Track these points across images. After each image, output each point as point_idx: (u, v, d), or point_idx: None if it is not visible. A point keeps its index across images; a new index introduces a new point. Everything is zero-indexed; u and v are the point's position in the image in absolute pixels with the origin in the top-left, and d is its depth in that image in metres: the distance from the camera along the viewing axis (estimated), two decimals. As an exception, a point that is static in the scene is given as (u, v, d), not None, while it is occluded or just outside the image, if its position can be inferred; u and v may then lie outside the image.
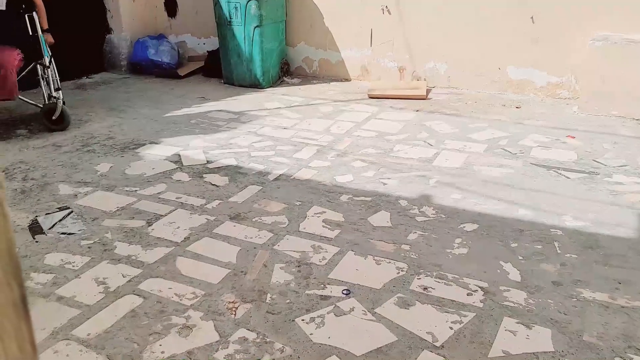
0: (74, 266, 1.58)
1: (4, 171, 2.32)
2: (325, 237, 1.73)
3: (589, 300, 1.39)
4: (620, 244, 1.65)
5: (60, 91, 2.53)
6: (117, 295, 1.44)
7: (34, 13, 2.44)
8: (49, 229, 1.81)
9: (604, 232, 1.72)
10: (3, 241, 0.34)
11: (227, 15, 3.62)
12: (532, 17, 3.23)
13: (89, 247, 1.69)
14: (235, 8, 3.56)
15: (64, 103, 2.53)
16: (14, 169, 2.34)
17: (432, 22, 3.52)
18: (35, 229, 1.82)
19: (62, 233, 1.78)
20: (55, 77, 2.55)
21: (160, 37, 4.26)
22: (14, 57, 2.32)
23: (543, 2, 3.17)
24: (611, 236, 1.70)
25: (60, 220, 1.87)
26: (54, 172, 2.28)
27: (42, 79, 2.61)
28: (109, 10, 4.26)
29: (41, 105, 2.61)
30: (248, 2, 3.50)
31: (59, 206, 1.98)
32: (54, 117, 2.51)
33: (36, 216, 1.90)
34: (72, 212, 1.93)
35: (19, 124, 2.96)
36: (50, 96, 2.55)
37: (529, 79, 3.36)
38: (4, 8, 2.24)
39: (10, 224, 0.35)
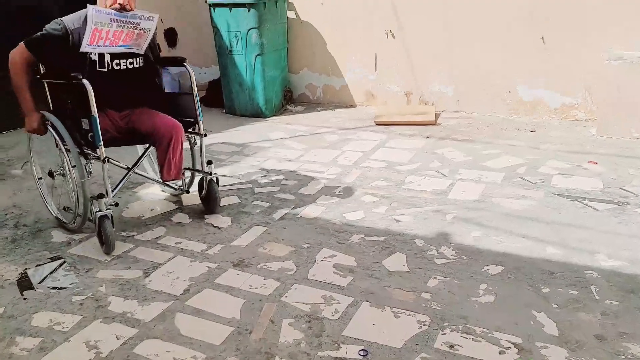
0: (63, 327, 1.48)
1: None
2: (337, 285, 1.63)
3: (639, 357, 1.26)
4: (665, 286, 1.53)
5: (211, 164, 2.08)
6: None
7: (186, 64, 2.05)
8: (39, 283, 1.73)
9: (643, 272, 1.61)
10: None
11: (228, 44, 3.65)
12: (542, 37, 3.21)
13: (80, 304, 1.59)
14: (236, 37, 3.59)
15: (217, 181, 2.10)
16: (6, 214, 2.29)
17: (437, 45, 3.53)
18: (24, 283, 1.73)
19: (53, 287, 1.69)
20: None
21: (163, 69, 4.26)
22: (179, 129, 1.92)
23: (553, 22, 3.17)
24: (653, 277, 1.59)
25: (51, 272, 1.79)
26: (47, 217, 2.21)
27: (192, 149, 2.18)
28: None
29: (177, 186, 2.24)
30: (249, 30, 3.53)
31: (50, 256, 1.90)
32: (202, 195, 2.12)
33: (26, 268, 1.82)
34: (64, 262, 1.85)
35: (14, 162, 2.92)
36: (201, 172, 2.10)
37: (542, 100, 3.33)
38: (141, 52, 1.93)
39: None
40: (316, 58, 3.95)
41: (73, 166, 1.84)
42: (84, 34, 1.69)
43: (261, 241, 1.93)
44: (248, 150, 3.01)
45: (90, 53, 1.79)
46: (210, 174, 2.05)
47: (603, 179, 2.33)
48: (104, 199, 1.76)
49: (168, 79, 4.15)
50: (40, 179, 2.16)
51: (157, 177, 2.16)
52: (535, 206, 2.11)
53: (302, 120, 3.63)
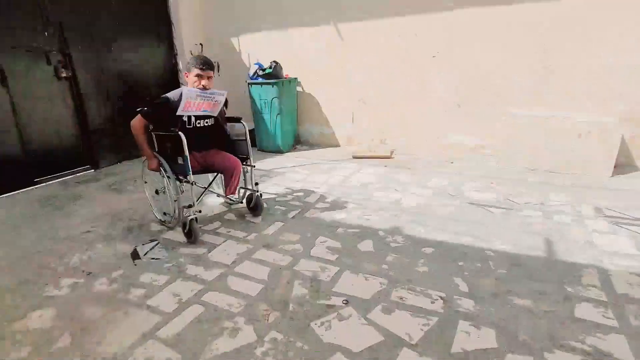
0: (158, 283, 1.52)
1: (115, 215, 2.28)
2: (328, 259, 1.65)
3: (519, 306, 1.29)
4: (536, 262, 1.56)
5: (258, 184, 2.12)
6: (187, 304, 1.37)
7: (242, 121, 2.07)
8: (144, 255, 1.76)
9: (523, 252, 1.64)
10: None
11: (260, 107, 3.71)
12: (458, 105, 3.28)
13: (168, 269, 1.62)
14: (264, 103, 3.66)
15: (260, 195, 2.14)
16: (123, 213, 2.31)
17: (393, 110, 3.58)
18: (134, 255, 1.76)
19: (152, 258, 1.72)
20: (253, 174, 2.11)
21: None
22: (239, 163, 1.98)
23: (470, 92, 3.21)
24: (529, 256, 1.61)
25: (151, 249, 1.82)
26: (148, 215, 2.24)
27: (244, 175, 2.12)
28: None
29: (234, 199, 2.17)
30: (272, 99, 3.60)
31: (150, 239, 1.93)
32: (251, 205, 2.15)
33: (135, 246, 1.85)
34: (158, 243, 1.88)
35: (128, 182, 2.97)
36: (251, 189, 2.10)
37: (462, 142, 3.34)
38: (214, 115, 1.94)
39: None
40: (314, 116, 4.00)
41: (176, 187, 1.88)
42: (179, 104, 1.75)
43: (280, 231, 1.95)
44: (272, 174, 3.03)
45: (183, 116, 1.84)
46: (257, 191, 2.10)
47: (498, 194, 2.35)
48: (192, 208, 1.80)
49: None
50: (155, 193, 2.13)
51: (222, 193, 2.19)
52: (455, 211, 2.12)
53: (305, 155, 3.66)
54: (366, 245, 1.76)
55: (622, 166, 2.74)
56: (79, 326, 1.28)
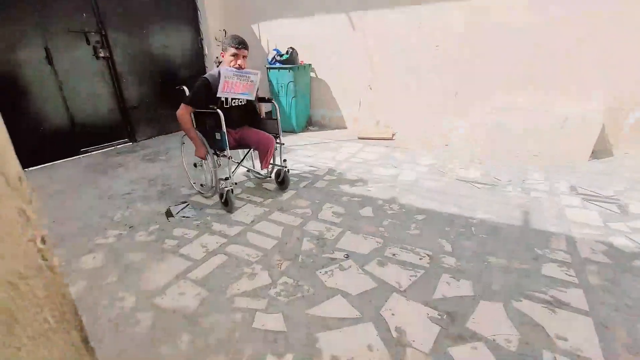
0: (189, 236, 1.59)
1: (151, 180, 2.34)
2: (333, 222, 1.70)
3: (494, 264, 1.34)
4: (512, 230, 1.59)
5: (286, 161, 2.02)
6: (213, 254, 1.44)
7: (273, 101, 1.96)
8: (176, 213, 1.82)
9: (502, 221, 1.66)
10: (56, 295, 0.23)
11: (277, 90, 3.66)
12: (456, 93, 3.19)
13: (197, 225, 1.69)
14: (281, 87, 3.60)
15: (288, 170, 2.04)
16: (158, 178, 2.37)
17: (397, 96, 3.50)
18: (168, 213, 1.83)
19: (183, 217, 1.79)
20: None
21: None
22: (273, 140, 1.88)
23: (461, 85, 3.13)
24: (507, 224, 1.63)
25: (182, 209, 1.88)
26: (179, 181, 2.29)
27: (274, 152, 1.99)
28: None
29: (263, 173, 2.16)
30: (288, 83, 3.54)
31: (181, 200, 1.99)
32: (279, 180, 2.06)
33: (169, 206, 1.91)
34: (188, 204, 1.94)
35: (161, 153, 3.01)
36: (280, 165, 2.02)
37: (454, 128, 3.28)
38: (252, 98, 1.82)
39: (61, 277, 0.23)
40: (325, 100, 3.93)
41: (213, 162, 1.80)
42: (218, 85, 1.65)
43: (293, 198, 1.98)
44: (286, 150, 3.01)
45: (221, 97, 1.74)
46: (285, 167, 2.01)
47: (484, 173, 2.33)
48: (228, 180, 1.75)
49: None
50: (193, 166, 2.04)
51: (252, 168, 2.19)
52: (445, 185, 2.12)
53: (316, 135, 3.63)
54: (366, 211, 1.79)
55: (598, 152, 2.67)
56: (124, 267, 1.37)
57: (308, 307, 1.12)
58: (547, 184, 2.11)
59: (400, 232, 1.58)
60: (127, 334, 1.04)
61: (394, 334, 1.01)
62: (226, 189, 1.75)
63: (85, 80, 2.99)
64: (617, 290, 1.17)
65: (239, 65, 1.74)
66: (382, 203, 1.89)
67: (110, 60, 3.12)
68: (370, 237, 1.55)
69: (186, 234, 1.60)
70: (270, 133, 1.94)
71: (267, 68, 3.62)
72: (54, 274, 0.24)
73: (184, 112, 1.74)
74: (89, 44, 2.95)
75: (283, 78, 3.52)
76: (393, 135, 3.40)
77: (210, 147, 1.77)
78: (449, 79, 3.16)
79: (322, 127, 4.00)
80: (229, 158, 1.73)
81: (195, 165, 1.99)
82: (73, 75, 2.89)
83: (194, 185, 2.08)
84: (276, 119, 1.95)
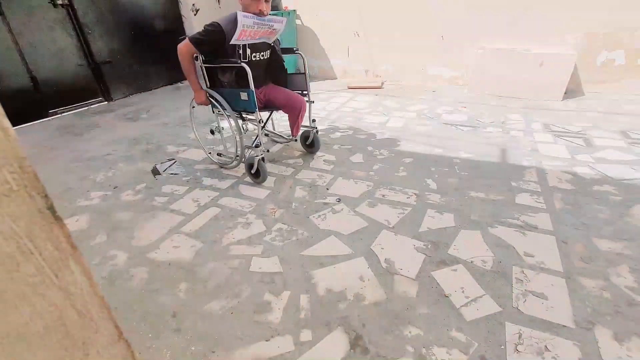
0: (179, 192, 1.50)
1: (133, 139, 2.13)
2: (325, 169, 1.64)
3: (474, 197, 1.36)
4: (491, 166, 1.60)
5: (315, 122, 1.70)
6: (205, 207, 1.37)
7: (300, 52, 1.56)
8: (164, 171, 1.69)
9: (482, 159, 1.66)
10: (13, 159, 0.21)
11: (255, 37, 3.19)
12: (442, 36, 2.90)
13: (187, 181, 1.59)
14: (259, 32, 3.13)
15: (317, 132, 1.73)
16: (141, 138, 2.16)
17: (383, 41, 3.18)
18: (155, 171, 1.70)
19: (171, 174, 1.67)
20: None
21: None
22: (304, 102, 1.56)
23: (448, 27, 2.84)
24: (486, 161, 1.64)
25: (170, 166, 1.74)
26: (164, 139, 2.10)
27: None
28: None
29: (287, 137, 1.84)
30: (267, 28, 3.06)
31: (168, 158, 1.84)
32: (307, 143, 1.76)
33: (155, 164, 1.77)
34: (176, 161, 1.80)
35: (143, 111, 2.70)
36: (308, 127, 1.70)
37: (441, 74, 3.10)
38: (269, 42, 1.45)
39: (18, 146, 0.21)
40: (314, 49, 3.52)
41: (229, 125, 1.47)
42: (234, 32, 1.28)
43: (284, 149, 1.88)
44: None
45: (238, 48, 1.36)
46: (315, 128, 1.69)
47: (468, 116, 2.27)
48: (259, 147, 1.44)
49: None
50: (210, 133, 1.64)
51: (272, 131, 1.86)
52: (431, 129, 2.06)
53: None
54: (357, 158, 1.73)
55: (571, 92, 2.62)
56: (112, 226, 1.28)
57: (303, 249, 1.11)
58: (524, 123, 2.09)
59: (389, 175, 1.55)
60: (123, 288, 0.99)
61: (384, 265, 1.03)
62: (257, 157, 1.43)
63: (44, 32, 2.46)
64: (577, 212, 1.23)
65: (260, 10, 1.33)
66: (372, 149, 1.83)
67: (70, 9, 2.54)
68: (361, 181, 1.52)
69: (176, 190, 1.50)
70: (296, 90, 1.60)
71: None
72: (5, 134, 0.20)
73: (185, 49, 1.36)
74: (43, -10, 2.32)
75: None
76: (382, 84, 3.21)
77: (233, 110, 1.42)
78: (436, 24, 2.87)
79: (311, 78, 3.65)
80: (259, 121, 1.38)
81: (212, 131, 1.60)
82: (29, 28, 2.36)
83: (209, 156, 1.72)
84: (303, 74, 1.57)
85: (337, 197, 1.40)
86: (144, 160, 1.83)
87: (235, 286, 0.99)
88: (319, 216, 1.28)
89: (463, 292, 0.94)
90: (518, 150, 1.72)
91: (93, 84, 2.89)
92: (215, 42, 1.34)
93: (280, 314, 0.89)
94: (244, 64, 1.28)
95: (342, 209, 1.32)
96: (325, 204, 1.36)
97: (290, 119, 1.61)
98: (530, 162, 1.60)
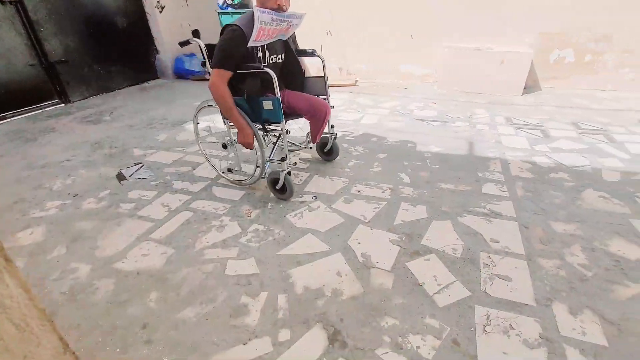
0: (147, 197, 1.41)
1: (95, 143, 1.97)
2: (301, 168, 1.63)
3: (444, 189, 1.42)
4: (459, 159, 1.67)
5: (334, 127, 1.56)
6: (177, 212, 1.31)
7: (318, 54, 1.40)
8: (130, 176, 1.59)
9: (451, 152, 1.73)
10: None
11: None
12: (411, 35, 3.00)
13: (156, 185, 1.51)
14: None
15: (335, 137, 1.58)
16: (104, 141, 2.01)
17: (356, 40, 3.22)
18: (120, 177, 1.59)
19: (138, 178, 1.57)
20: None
21: (192, 55, 3.62)
22: (329, 107, 1.37)
23: (416, 27, 2.96)
24: (455, 154, 1.71)
25: (137, 170, 1.64)
26: (129, 142, 1.97)
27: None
28: (156, 39, 3.52)
29: (301, 144, 1.62)
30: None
31: (135, 162, 1.73)
32: (325, 150, 1.61)
33: (120, 169, 1.66)
34: (143, 165, 1.70)
35: (105, 113, 2.52)
36: (326, 133, 1.56)
37: (412, 72, 3.21)
38: (284, 38, 1.27)
39: None
40: None
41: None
42: (251, 33, 1.09)
43: (257, 148, 1.84)
44: None
45: (257, 50, 1.18)
46: (335, 134, 1.55)
47: (438, 111, 2.37)
48: (286, 161, 1.28)
49: (197, 62, 3.57)
50: (222, 147, 1.45)
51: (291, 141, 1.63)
52: (404, 125, 2.12)
53: None
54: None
55: (529, 87, 2.83)
56: (72, 237, 1.19)
57: (279, 248, 1.09)
58: (489, 117, 2.22)
59: (365, 171, 1.57)
60: (87, 302, 0.93)
61: (360, 259, 1.04)
62: (283, 171, 1.27)
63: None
64: (536, 199, 1.33)
65: (279, 5, 1.15)
66: (348, 146, 1.85)
67: (19, 5, 2.32)
68: (337, 178, 1.52)
69: (144, 196, 1.43)
70: (315, 95, 1.43)
71: (219, 13, 3.02)
72: None
73: (218, 82, 1.13)
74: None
75: (233, 19, 2.98)
76: (356, 81, 3.25)
77: (254, 122, 1.24)
78: (406, 24, 2.98)
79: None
80: (286, 132, 1.22)
81: (224, 146, 1.40)
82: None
83: (220, 173, 1.52)
84: (322, 77, 1.42)
85: (314, 195, 1.39)
86: (108, 165, 1.72)
87: (210, 291, 0.95)
88: (296, 215, 1.27)
89: (436, 280, 0.97)
90: (483, 143, 1.82)
91: (47, 85, 2.65)
92: (241, 48, 1.12)
93: (257, 316, 0.87)
94: (268, 70, 1.10)
95: (318, 207, 1.31)
96: (301, 202, 1.35)
97: (312, 125, 1.43)
98: (495, 153, 1.70)
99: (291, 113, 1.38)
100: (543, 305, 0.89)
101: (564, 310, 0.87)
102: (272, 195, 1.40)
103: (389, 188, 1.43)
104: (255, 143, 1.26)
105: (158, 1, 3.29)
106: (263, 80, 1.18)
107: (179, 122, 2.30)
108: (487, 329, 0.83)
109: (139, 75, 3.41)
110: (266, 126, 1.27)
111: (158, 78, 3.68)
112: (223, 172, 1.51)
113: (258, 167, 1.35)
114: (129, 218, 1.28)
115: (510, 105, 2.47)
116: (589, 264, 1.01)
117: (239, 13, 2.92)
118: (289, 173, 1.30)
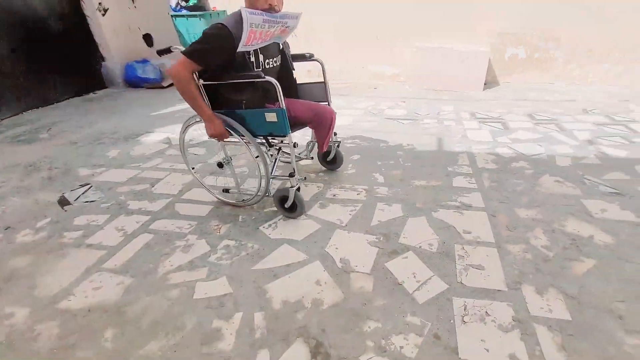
0: (98, 222, 1.28)
1: (29, 166, 1.77)
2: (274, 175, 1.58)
3: (417, 185, 1.45)
4: (430, 155, 1.73)
5: (337, 135, 1.48)
6: (134, 236, 1.20)
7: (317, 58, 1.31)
8: (75, 200, 1.43)
9: (422, 149, 1.79)
10: None
11: (189, 42, 2.98)
12: (377, 36, 3.10)
13: (107, 208, 1.38)
14: (193, 37, 2.94)
15: (338, 145, 1.52)
16: (40, 163, 1.81)
17: (329, 42, 3.27)
18: (63, 202, 1.43)
19: (86, 201, 1.42)
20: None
21: (144, 61, 3.42)
22: (334, 112, 1.28)
23: (381, 28, 3.06)
24: (425, 151, 1.77)
25: (83, 193, 1.49)
26: (73, 161, 1.79)
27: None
28: (100, 44, 3.28)
29: (301, 154, 1.51)
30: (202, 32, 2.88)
31: (81, 184, 1.58)
32: (328, 159, 1.55)
33: (63, 193, 1.49)
34: (91, 186, 1.55)
35: (41, 130, 2.28)
36: (331, 141, 1.47)
37: (383, 72, 3.30)
38: (280, 42, 1.17)
39: None
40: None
41: (256, 157, 1.13)
42: (240, 35, 0.98)
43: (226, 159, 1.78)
44: None
45: (249, 55, 1.07)
46: (337, 142, 1.47)
47: (407, 109, 2.44)
48: (294, 177, 1.18)
49: (151, 68, 3.38)
50: (193, 168, 1.37)
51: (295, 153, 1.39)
52: (376, 125, 2.16)
53: None
54: (306, 160, 1.70)
55: (490, 83, 3.04)
56: (4, 277, 1.04)
57: (254, 263, 1.05)
58: (455, 113, 2.34)
59: (339, 174, 1.57)
60: (27, 351, 0.81)
61: (339, 265, 1.03)
62: (292, 188, 1.18)
63: None
64: (501, 188, 1.41)
65: (270, 5, 1.03)
66: (320, 150, 1.83)
67: None
68: (312, 183, 1.50)
69: (93, 221, 1.30)
70: (316, 102, 1.33)
71: (172, 16, 2.88)
72: None
73: (181, 69, 1.01)
74: None
75: (194, 27, 2.86)
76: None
77: (254, 136, 1.12)
78: (371, 28, 3.07)
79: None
80: (294, 145, 1.11)
81: (220, 165, 1.28)
82: None
83: (215, 195, 1.37)
84: (322, 82, 1.35)
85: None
86: (46, 189, 1.55)
87: (176, 319, 0.88)
88: (270, 225, 1.23)
89: (415, 277, 0.98)
90: (451, 138, 1.91)
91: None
92: (225, 49, 1.01)
93: (232, 340, 0.82)
94: (270, 78, 1.00)
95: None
96: (275, 211, 1.31)
97: (318, 133, 1.32)
98: (462, 147, 1.79)
99: (294, 123, 1.24)
100: (513, 289, 0.93)
101: (532, 291, 0.92)
102: (242, 207, 1.33)
103: (364, 189, 1.43)
104: (255, 153, 1.13)
105: (100, 3, 3.06)
106: (262, 89, 1.08)
107: (133, 134, 2.15)
108: (465, 319, 0.85)
109: (82, 85, 3.14)
110: (270, 140, 1.14)
111: (106, 87, 3.43)
112: (219, 193, 1.36)
113: (263, 188, 1.23)
114: (75, 248, 1.15)
115: (473, 101, 2.63)
116: (550, 245, 1.08)
117: (195, 16, 2.79)
118: (298, 189, 1.20)
